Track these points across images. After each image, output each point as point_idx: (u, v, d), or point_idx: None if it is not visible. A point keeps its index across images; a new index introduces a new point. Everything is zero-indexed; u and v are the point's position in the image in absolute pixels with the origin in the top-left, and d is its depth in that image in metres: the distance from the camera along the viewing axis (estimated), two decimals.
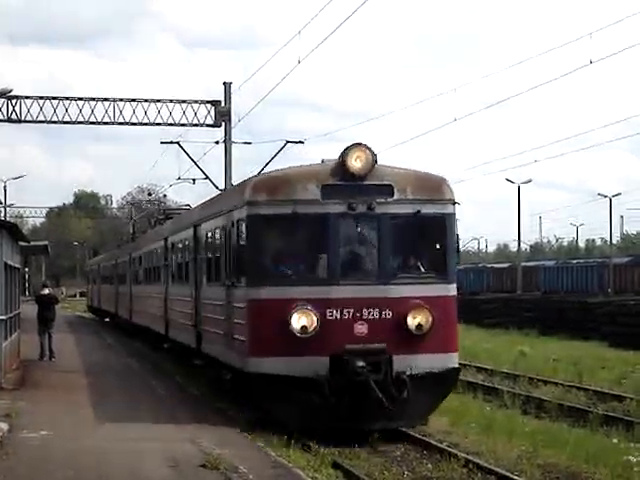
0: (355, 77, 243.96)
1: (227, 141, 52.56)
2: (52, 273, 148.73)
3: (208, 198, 31.47)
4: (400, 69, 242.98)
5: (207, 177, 48.77)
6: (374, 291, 21.21)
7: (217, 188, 46.24)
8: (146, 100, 54.28)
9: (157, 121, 54.28)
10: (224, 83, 54.01)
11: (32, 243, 44.73)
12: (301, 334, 20.64)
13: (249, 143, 53.55)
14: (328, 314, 20.84)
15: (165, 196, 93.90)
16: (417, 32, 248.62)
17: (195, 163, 47.82)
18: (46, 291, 38.11)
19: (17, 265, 36.11)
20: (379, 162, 21.67)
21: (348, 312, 20.87)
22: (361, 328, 20.88)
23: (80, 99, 53.80)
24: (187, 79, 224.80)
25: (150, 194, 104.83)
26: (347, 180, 21.33)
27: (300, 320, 20.68)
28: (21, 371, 32.54)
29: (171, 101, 54.55)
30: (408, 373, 20.99)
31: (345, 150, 21.29)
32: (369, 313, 20.95)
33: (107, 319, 71.40)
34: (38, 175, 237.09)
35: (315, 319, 20.66)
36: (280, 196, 21.28)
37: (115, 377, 30.79)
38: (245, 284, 21.73)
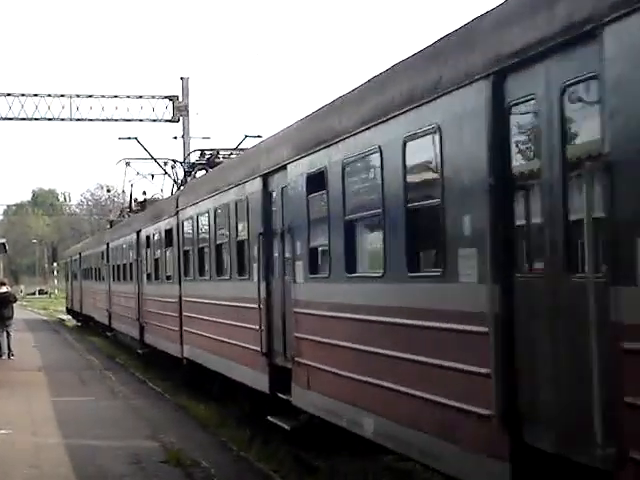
0: None
1: (185, 136, 51.83)
2: (11, 271, 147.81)
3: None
4: None
5: (166, 172, 45.52)
6: None
7: (176, 183, 45.28)
8: (103, 96, 53.73)
9: (114, 117, 53.83)
10: (181, 78, 54.19)
11: None
12: None
13: (208, 138, 51.71)
14: None
15: (124, 192, 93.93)
16: None
17: (153, 159, 45.35)
18: (4, 289, 36.32)
19: None
20: None
21: None
22: None
23: (36, 95, 53.12)
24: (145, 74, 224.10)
25: (109, 190, 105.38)
26: None
27: None
28: None
29: (128, 97, 54.15)
30: None
31: None
32: None
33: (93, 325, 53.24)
34: None
35: None
36: None
37: (75, 374, 29.45)
38: None
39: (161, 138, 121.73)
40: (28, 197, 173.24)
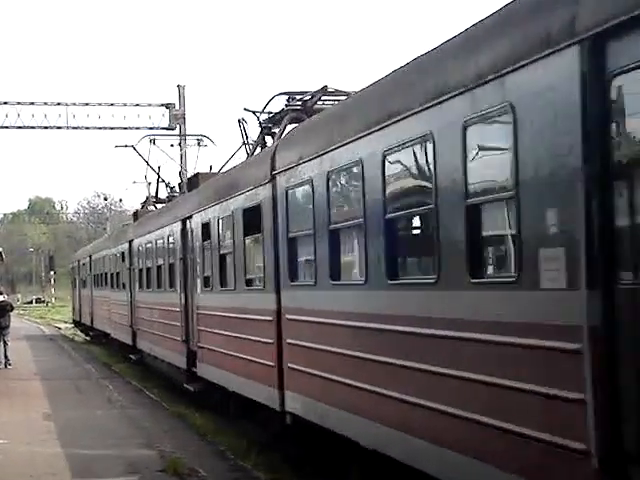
0: None
1: (182, 143, 45.15)
2: (7, 279, 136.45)
3: None
4: None
5: (163, 180, 40.09)
6: None
7: (172, 190, 37.47)
8: (99, 104, 47.68)
9: (111, 125, 47.71)
10: (178, 85, 48.16)
11: None
12: None
13: (205, 146, 46.94)
14: None
15: (121, 200, 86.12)
16: None
17: (150, 166, 37.22)
18: (0, 298, 31.95)
19: None
20: None
21: None
22: None
23: (32, 104, 46.83)
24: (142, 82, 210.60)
25: (106, 198, 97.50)
26: None
27: None
28: None
29: (125, 104, 48.01)
30: None
31: None
32: None
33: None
34: None
35: None
36: None
37: (71, 383, 25.68)
38: None
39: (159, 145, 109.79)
40: (25, 205, 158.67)
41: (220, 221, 15.64)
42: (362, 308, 9.18)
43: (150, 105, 47.23)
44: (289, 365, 11.83)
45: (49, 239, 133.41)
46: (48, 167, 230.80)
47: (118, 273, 31.99)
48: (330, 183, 10.06)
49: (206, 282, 16.98)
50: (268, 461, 13.96)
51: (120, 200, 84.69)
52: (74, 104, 46.83)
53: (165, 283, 21.77)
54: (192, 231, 18.28)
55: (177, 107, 46.76)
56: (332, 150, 9.95)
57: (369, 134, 8.93)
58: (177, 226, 19.92)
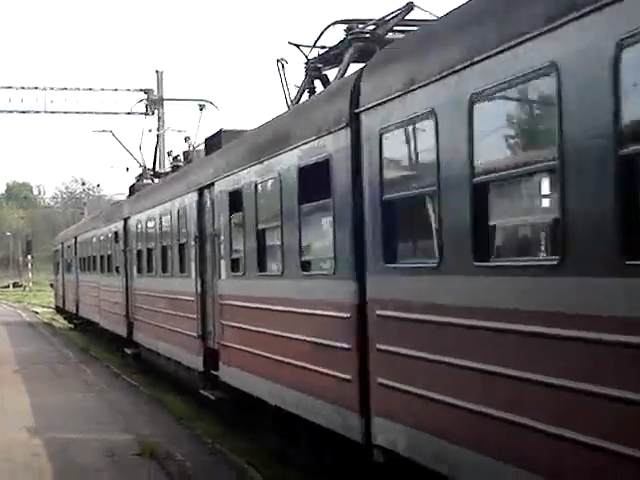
0: None
1: (160, 129, 42.00)
2: None
3: None
4: None
5: (141, 165, 37.17)
6: None
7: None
8: (77, 88, 45.61)
9: (89, 110, 45.53)
10: (156, 71, 44.95)
11: None
12: None
13: (184, 131, 43.91)
14: None
15: (99, 185, 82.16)
16: None
17: (128, 151, 35.46)
18: None
19: None
20: None
21: None
22: None
23: (9, 87, 44.76)
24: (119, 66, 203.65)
25: (84, 183, 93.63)
26: None
27: None
28: None
29: (103, 89, 45.76)
30: None
31: None
32: None
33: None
34: None
35: None
36: None
37: (48, 367, 24.36)
38: None
39: (136, 131, 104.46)
40: (2, 190, 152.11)
41: (259, 187, 11.21)
42: (553, 304, 5.19)
43: (129, 90, 44.97)
44: (380, 381, 7.67)
45: (26, 223, 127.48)
46: (26, 152, 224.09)
47: (110, 256, 26.71)
48: (475, 112, 6.00)
49: (235, 266, 12.63)
50: (245, 446, 13.10)
51: (98, 185, 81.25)
52: (52, 89, 44.88)
53: (173, 267, 17.19)
54: (213, 202, 13.89)
55: (155, 92, 43.62)
56: (484, 59, 5.83)
57: (570, 21, 4.83)
58: (191, 197, 15.37)
